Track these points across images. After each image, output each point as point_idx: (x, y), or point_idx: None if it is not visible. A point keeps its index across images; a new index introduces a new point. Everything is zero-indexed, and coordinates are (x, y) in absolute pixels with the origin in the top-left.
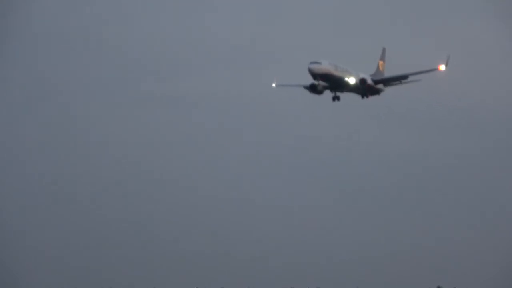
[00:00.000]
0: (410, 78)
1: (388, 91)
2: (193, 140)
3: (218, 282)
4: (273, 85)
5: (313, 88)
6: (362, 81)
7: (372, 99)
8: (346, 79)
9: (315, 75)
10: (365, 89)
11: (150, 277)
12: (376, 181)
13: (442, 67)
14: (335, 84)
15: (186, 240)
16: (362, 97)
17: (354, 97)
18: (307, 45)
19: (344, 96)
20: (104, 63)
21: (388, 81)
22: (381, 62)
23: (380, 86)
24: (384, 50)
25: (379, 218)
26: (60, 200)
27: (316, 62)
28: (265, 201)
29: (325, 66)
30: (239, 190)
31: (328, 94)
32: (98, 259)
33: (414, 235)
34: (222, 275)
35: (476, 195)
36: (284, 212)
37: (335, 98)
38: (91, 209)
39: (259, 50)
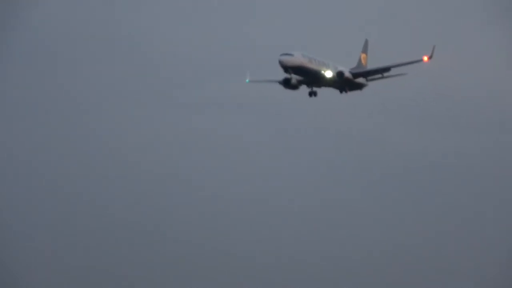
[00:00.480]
0: (394, 72)
1: (372, 86)
2: (182, 141)
3: (218, 282)
4: (246, 80)
5: (286, 83)
6: (339, 74)
7: (352, 94)
8: (322, 72)
9: (286, 68)
10: (343, 83)
11: (151, 277)
12: (362, 178)
13: (427, 58)
14: (311, 78)
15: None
16: (341, 92)
17: (333, 93)
18: (287, 38)
19: (322, 91)
20: (102, 62)
21: (368, 74)
22: (363, 55)
23: (361, 80)
24: (366, 42)
25: (370, 216)
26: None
27: (287, 54)
28: (261, 202)
29: (298, 58)
30: (231, 190)
31: (304, 89)
32: (99, 259)
33: (402, 232)
34: (222, 275)
35: (465, 191)
36: (275, 212)
37: (312, 94)
38: (104, 211)
39: (239, 44)
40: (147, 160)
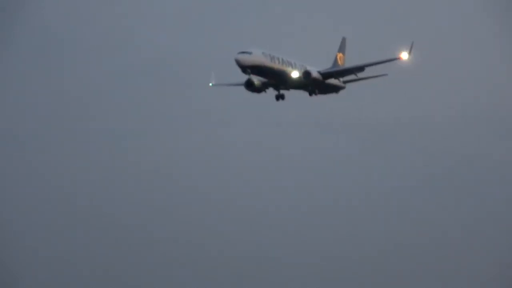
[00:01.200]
0: (373, 72)
1: (350, 88)
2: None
3: (218, 282)
4: (210, 84)
5: (249, 86)
6: (306, 74)
7: (322, 97)
8: (287, 72)
9: (244, 68)
10: (311, 84)
11: (152, 278)
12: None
13: (404, 56)
14: (275, 79)
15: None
16: (310, 94)
17: (303, 95)
18: (258, 37)
19: (292, 94)
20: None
21: (340, 74)
22: (339, 55)
23: (334, 81)
24: (344, 40)
25: (365, 216)
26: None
27: (245, 52)
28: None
29: (257, 57)
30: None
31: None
32: (99, 259)
33: (399, 231)
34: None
35: (459, 191)
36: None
37: (279, 97)
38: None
39: (210, 44)
40: (142, 160)
